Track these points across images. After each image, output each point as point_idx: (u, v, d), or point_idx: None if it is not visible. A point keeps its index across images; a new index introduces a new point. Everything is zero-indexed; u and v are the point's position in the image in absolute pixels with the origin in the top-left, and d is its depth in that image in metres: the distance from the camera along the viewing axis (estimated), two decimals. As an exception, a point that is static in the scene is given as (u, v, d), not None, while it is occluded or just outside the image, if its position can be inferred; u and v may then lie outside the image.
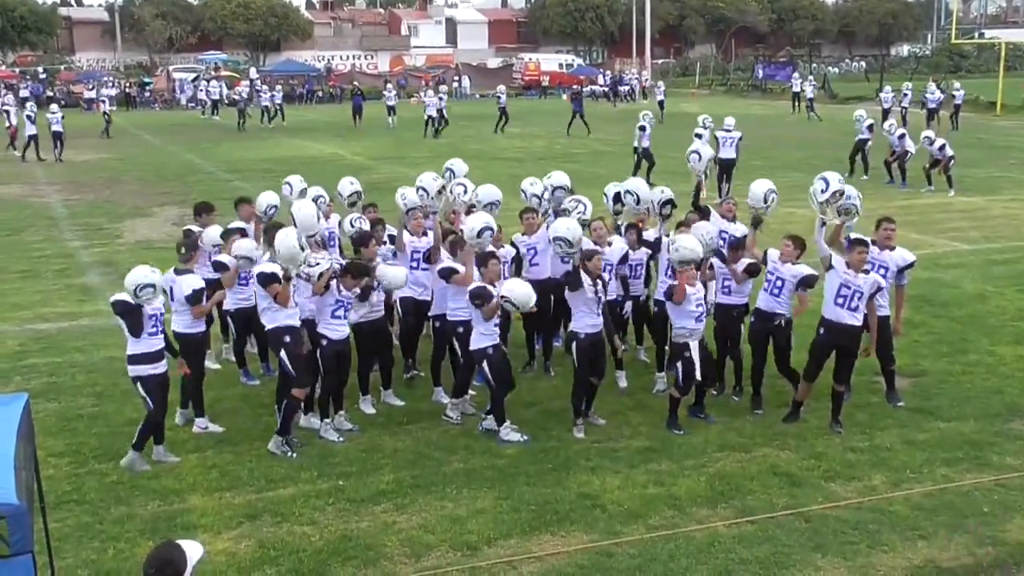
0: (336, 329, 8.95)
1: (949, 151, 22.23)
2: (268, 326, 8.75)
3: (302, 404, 9.09)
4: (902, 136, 23.05)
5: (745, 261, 9.71)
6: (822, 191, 9.06)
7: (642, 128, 24.05)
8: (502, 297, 8.76)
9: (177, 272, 9.01)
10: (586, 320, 8.97)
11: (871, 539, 7.11)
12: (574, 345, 8.99)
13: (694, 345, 8.94)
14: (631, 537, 7.18)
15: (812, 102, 43.20)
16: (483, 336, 8.90)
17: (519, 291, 8.82)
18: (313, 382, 9.01)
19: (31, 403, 5.73)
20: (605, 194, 11.48)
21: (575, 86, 49.87)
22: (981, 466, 8.30)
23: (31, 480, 5.37)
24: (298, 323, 8.77)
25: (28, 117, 31.37)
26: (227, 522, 7.48)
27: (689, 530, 7.27)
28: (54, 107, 33.52)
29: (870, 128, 24.18)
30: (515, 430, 8.98)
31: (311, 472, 8.32)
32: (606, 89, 58.41)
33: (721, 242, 10.11)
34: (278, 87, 49.91)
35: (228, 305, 10.21)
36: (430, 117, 37.17)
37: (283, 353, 8.64)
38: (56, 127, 30.99)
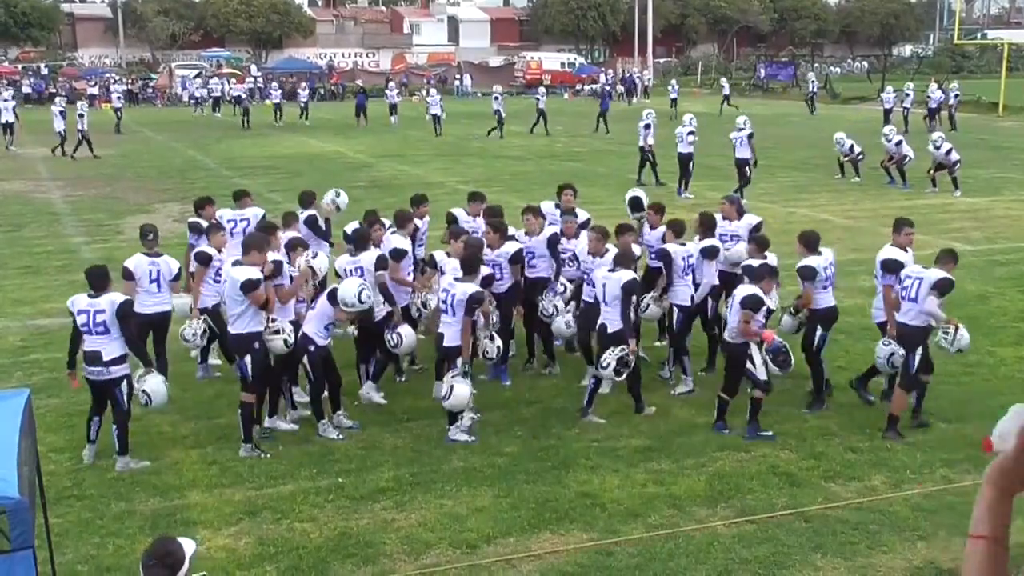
0: (323, 337, 9.09)
1: (955, 155, 22.17)
2: (238, 331, 8.64)
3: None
4: (899, 143, 23.00)
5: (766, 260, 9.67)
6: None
7: (647, 127, 24.02)
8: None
9: (150, 256, 9.82)
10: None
11: (871, 539, 7.12)
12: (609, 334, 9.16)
13: (755, 346, 8.84)
14: (630, 536, 7.18)
15: (728, 98, 46.66)
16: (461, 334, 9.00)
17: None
18: (264, 391, 9.00)
19: (32, 399, 5.73)
20: (626, 200, 11.61)
21: (602, 84, 49.34)
22: (981, 467, 8.20)
23: (32, 475, 5.37)
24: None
25: (60, 113, 31.53)
26: (227, 518, 7.49)
27: (688, 529, 7.27)
28: (82, 104, 33.80)
29: (851, 148, 24.10)
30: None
31: (311, 469, 8.32)
32: (608, 87, 58.27)
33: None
34: (304, 84, 48.95)
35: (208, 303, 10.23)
36: (434, 116, 37.07)
37: (248, 358, 8.63)
38: (79, 125, 31.11)
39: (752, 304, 8.64)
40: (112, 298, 8.27)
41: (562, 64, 71.42)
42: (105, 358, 8.23)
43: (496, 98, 37.38)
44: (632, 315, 9.41)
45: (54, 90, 55.73)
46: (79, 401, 9.90)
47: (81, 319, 8.26)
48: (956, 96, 38.02)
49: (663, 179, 23.73)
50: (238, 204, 11.76)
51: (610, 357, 8.98)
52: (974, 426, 9.13)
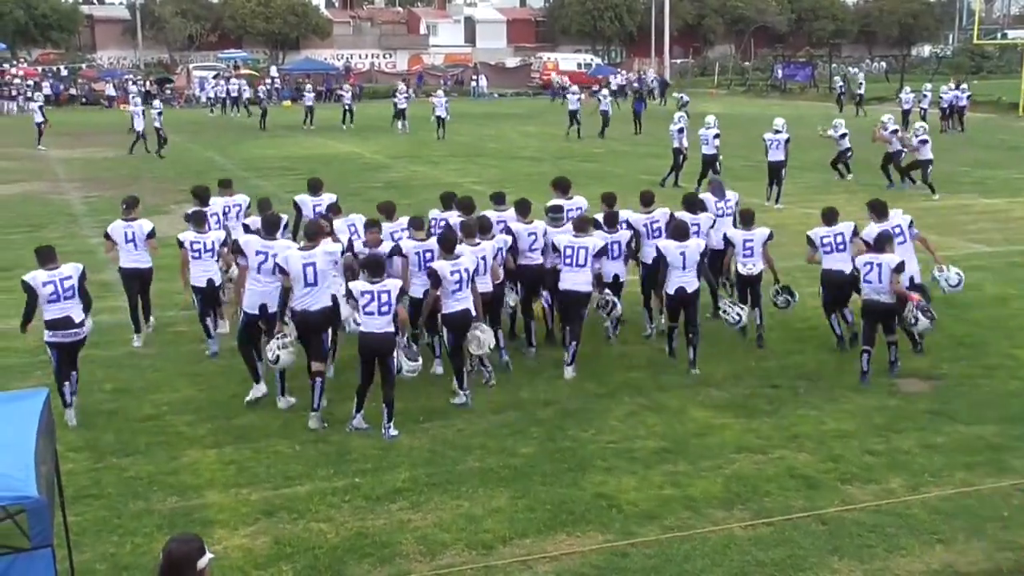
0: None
1: (929, 153, 21.73)
2: (325, 304, 9.30)
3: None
4: (895, 131, 22.61)
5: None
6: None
7: (680, 130, 23.89)
8: None
9: (127, 220, 11.67)
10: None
11: (888, 542, 7.08)
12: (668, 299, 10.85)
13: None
14: (647, 538, 7.17)
15: (616, 94, 45.44)
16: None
17: None
18: None
19: (51, 398, 5.77)
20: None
21: (636, 84, 48.81)
22: (1000, 470, 8.24)
23: (51, 474, 5.41)
24: None
25: (141, 112, 32.58)
26: (244, 518, 7.52)
27: (705, 531, 7.25)
28: (157, 103, 34.97)
29: (843, 137, 23.69)
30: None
31: (327, 469, 8.35)
32: (621, 89, 57.95)
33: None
34: (347, 86, 47.70)
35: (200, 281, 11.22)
36: (438, 118, 36.47)
37: (330, 329, 9.65)
38: (156, 123, 31.95)
39: (901, 269, 10.16)
40: (73, 265, 9.53)
41: (578, 65, 71.40)
42: (76, 320, 9.30)
43: (603, 97, 37.09)
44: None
45: (74, 91, 56.05)
46: (97, 400, 10.00)
47: (48, 289, 9.18)
48: (969, 96, 37.73)
49: (682, 183, 23.60)
50: (224, 191, 13.35)
51: (733, 310, 11.11)
52: (993, 428, 9.09)
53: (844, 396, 9.91)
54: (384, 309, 8.82)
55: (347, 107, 42.00)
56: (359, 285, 8.90)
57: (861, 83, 46.34)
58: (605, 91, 39.87)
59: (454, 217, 11.03)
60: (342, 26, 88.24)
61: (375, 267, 9.02)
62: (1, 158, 31.38)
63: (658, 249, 10.81)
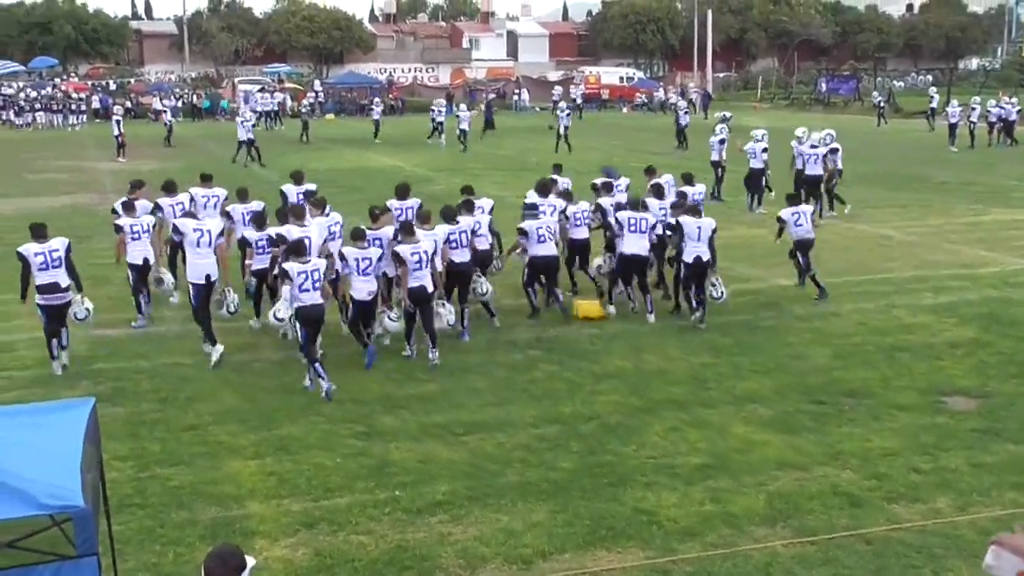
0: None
1: (839, 162, 20.94)
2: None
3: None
4: (801, 151, 21.14)
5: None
6: None
7: (721, 141, 23.74)
8: None
9: (131, 198, 13.68)
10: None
11: (936, 564, 6.94)
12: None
13: None
14: (687, 555, 7.10)
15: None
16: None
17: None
18: None
19: (97, 407, 5.84)
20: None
21: (680, 99, 48.22)
22: (1052, 491, 8.06)
23: (96, 482, 5.47)
24: None
25: (242, 124, 33.92)
26: (284, 529, 7.56)
27: (746, 549, 7.16)
28: (249, 115, 36.20)
29: (763, 151, 22.08)
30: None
31: (368, 482, 8.37)
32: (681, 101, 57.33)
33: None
34: (440, 100, 44.53)
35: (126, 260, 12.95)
36: (462, 131, 36.85)
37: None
38: (249, 135, 33.06)
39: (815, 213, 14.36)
40: (60, 239, 11.15)
41: (620, 78, 71.34)
42: (63, 286, 10.96)
43: (680, 109, 37.46)
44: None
45: (130, 104, 57.09)
46: (142, 411, 10.12)
47: (39, 259, 10.83)
48: (1019, 110, 37.08)
49: (726, 196, 23.33)
50: (204, 184, 15.25)
51: (719, 286, 12.88)
52: (1044, 449, 8.89)
53: (889, 414, 9.77)
54: (317, 285, 10.35)
55: (437, 122, 40.04)
56: (295, 266, 10.24)
57: (933, 97, 44.98)
58: (683, 103, 39.27)
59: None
60: (385, 40, 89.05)
61: (301, 250, 10.49)
62: (52, 171, 31.97)
63: (679, 223, 12.68)
